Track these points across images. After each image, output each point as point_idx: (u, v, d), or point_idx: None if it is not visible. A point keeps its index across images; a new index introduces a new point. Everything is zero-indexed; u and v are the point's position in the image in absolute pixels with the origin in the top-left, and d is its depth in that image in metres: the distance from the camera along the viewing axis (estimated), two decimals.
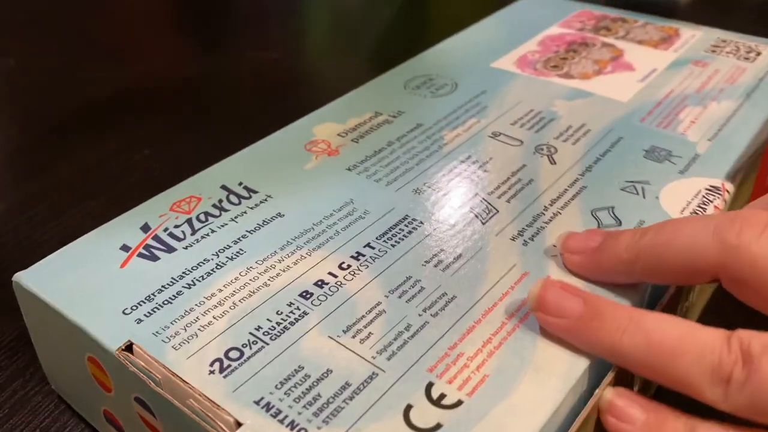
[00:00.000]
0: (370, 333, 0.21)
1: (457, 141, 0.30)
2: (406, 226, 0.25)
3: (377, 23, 0.57)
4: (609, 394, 0.19)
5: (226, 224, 0.25)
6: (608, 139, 0.29)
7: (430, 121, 0.31)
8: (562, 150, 0.29)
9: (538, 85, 0.34)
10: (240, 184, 0.27)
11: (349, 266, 0.23)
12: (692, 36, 0.38)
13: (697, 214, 0.25)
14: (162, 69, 0.51)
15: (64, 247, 0.24)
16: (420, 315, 0.21)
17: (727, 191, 0.26)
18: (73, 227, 0.35)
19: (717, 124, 0.30)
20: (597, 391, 0.19)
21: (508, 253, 0.24)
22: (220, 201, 0.26)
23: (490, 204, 0.26)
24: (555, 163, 0.28)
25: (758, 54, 0.36)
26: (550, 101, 0.32)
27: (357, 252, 0.24)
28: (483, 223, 0.25)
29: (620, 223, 0.25)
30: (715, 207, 0.25)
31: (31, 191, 0.38)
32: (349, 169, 0.28)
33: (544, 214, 0.25)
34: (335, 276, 0.23)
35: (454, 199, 0.26)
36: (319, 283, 0.22)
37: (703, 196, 0.26)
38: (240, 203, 0.26)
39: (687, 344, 0.18)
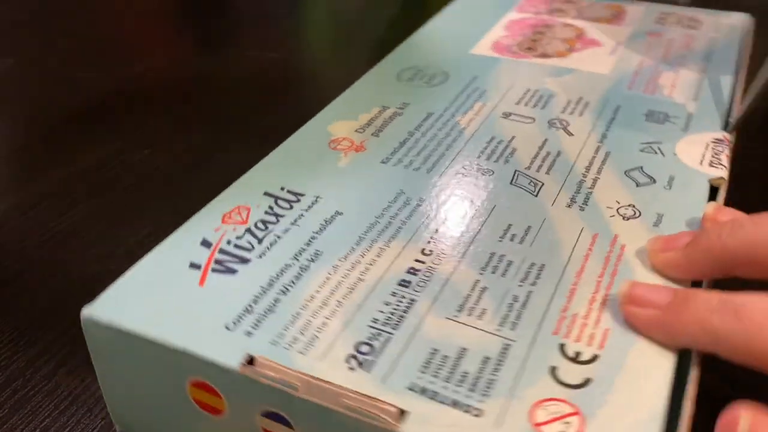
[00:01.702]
0: (483, 309, 0.21)
1: (473, 124, 0.31)
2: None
3: (377, 23, 0.58)
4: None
5: (289, 229, 0.25)
6: (609, 108, 0.32)
7: (438, 109, 0.32)
8: (573, 122, 0.31)
9: (523, 67, 0.35)
10: (282, 188, 0.27)
11: (431, 251, 0.24)
12: (637, 11, 0.41)
13: (714, 164, 0.28)
14: (162, 69, 0.50)
15: (126, 274, 0.23)
16: (520, 286, 0.22)
17: (730, 141, 0.29)
18: (73, 227, 0.34)
19: (694, 86, 0.33)
20: None
21: (571, 219, 0.25)
22: (271, 207, 0.26)
23: (533, 178, 0.27)
24: (572, 134, 0.30)
25: (699, 22, 0.40)
26: (541, 80, 0.34)
27: (431, 237, 0.24)
28: (535, 196, 0.26)
29: (654, 181, 0.27)
30: (726, 155, 0.28)
31: (31, 191, 0.37)
32: (383, 162, 0.28)
33: (585, 180, 0.27)
34: (423, 262, 0.23)
35: (498, 177, 0.27)
36: (412, 271, 0.23)
37: (713, 149, 0.29)
38: (292, 207, 0.26)
39: None
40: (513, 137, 0.30)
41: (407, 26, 0.58)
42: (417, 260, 0.23)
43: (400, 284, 0.22)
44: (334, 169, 0.28)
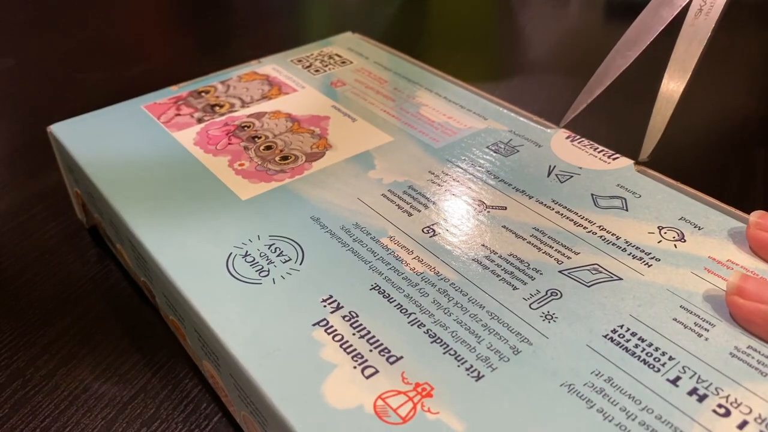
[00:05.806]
0: None
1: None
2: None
3: (377, 23, 0.58)
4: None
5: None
6: None
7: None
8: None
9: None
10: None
11: None
12: (271, 61, 0.37)
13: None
14: (162, 69, 0.50)
15: None
16: None
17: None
18: (73, 227, 0.35)
19: None
20: None
21: None
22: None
23: None
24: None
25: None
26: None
27: None
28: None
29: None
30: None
31: (31, 191, 0.38)
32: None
33: None
34: None
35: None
36: None
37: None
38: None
39: None
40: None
41: (407, 26, 0.59)
42: None
43: None
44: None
